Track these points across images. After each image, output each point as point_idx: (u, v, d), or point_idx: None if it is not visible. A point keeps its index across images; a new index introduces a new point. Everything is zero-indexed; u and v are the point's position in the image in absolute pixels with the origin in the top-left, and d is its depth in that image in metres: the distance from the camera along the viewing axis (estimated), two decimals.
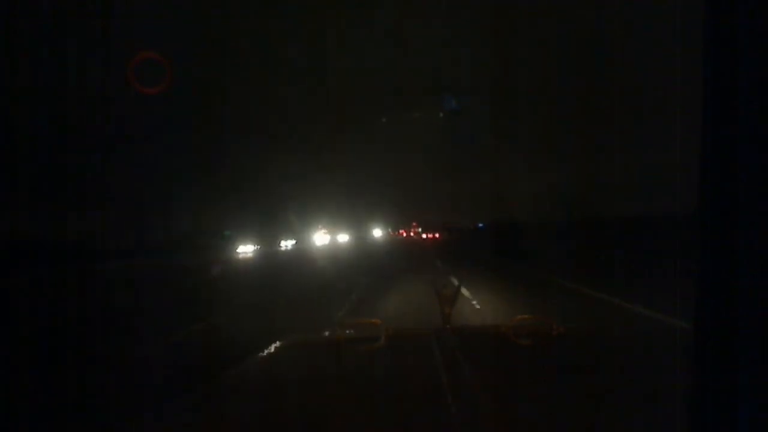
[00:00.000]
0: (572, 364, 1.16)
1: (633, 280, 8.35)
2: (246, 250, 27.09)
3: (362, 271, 11.97)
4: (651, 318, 5.20)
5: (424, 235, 61.42)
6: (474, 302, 6.22)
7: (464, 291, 6.38)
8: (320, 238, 31.22)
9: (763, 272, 0.43)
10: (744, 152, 0.44)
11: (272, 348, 1.42)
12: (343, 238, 42.68)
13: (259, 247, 27.94)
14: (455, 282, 6.68)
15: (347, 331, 1.54)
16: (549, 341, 1.34)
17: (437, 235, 55.26)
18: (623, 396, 0.91)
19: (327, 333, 1.55)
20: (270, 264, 19.76)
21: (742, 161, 0.44)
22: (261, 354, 1.38)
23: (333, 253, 24.15)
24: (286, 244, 32.39)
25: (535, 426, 0.84)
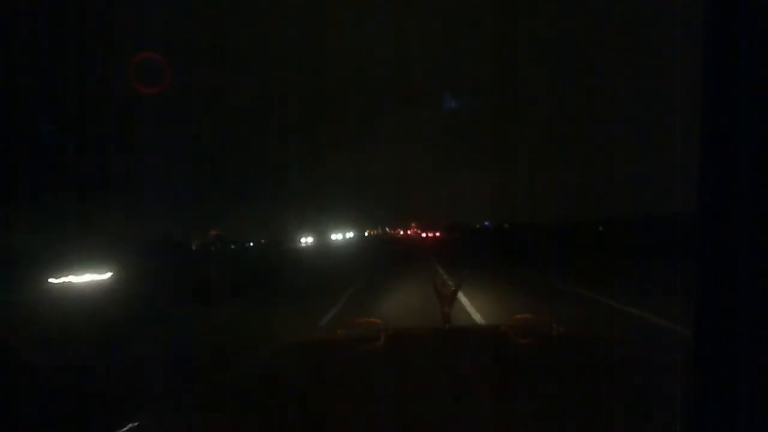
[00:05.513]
0: (572, 364, 1.16)
1: (634, 282, 8.32)
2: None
3: None
4: (651, 319, 5.21)
5: (423, 234, 61.20)
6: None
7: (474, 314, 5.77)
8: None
9: (763, 272, 0.43)
10: (744, 152, 0.44)
11: (272, 348, 1.42)
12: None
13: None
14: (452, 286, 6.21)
15: (347, 331, 1.54)
16: (549, 341, 1.34)
17: (438, 234, 55.13)
18: (623, 396, 0.91)
19: (327, 333, 1.55)
20: None
21: (742, 161, 0.44)
22: (261, 354, 1.38)
23: None
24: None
25: (535, 426, 0.84)
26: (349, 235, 67.32)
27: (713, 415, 0.46)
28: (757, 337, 0.43)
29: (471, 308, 6.17)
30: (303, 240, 42.18)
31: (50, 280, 13.12)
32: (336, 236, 55.90)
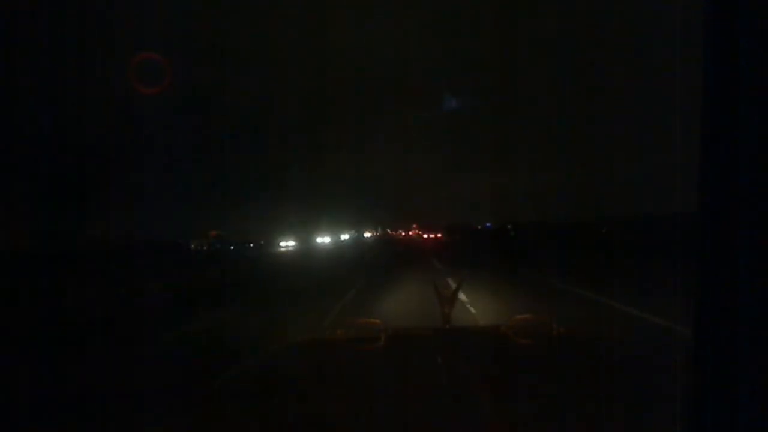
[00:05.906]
0: (572, 364, 1.16)
1: (634, 282, 8.29)
2: None
3: None
4: (651, 319, 5.21)
5: (425, 236, 61.35)
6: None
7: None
8: None
9: (763, 272, 0.43)
10: (744, 152, 0.44)
11: (272, 348, 1.42)
12: None
13: None
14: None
15: (347, 331, 1.54)
16: (549, 341, 1.34)
17: (439, 236, 55.38)
18: (623, 396, 0.91)
19: (327, 333, 1.55)
20: None
21: (742, 161, 0.44)
22: (261, 354, 1.38)
23: None
24: None
25: (535, 426, 0.84)
26: (345, 237, 58.24)
27: (713, 415, 0.46)
28: (757, 337, 0.43)
29: (471, 306, 6.21)
30: (284, 244, 33.78)
31: None
32: (323, 239, 44.17)
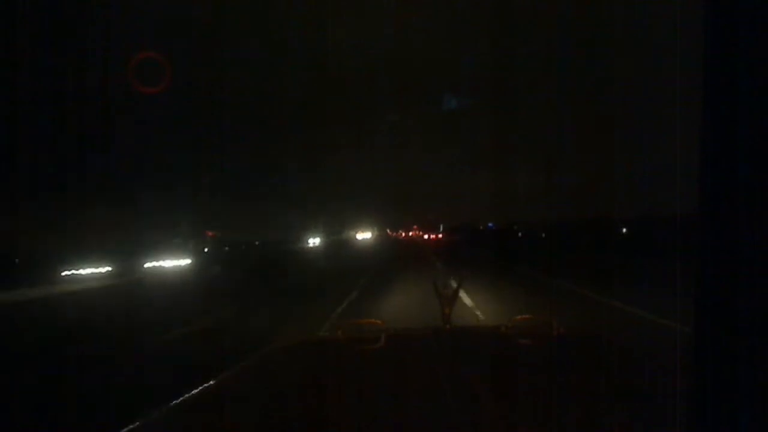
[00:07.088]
0: (572, 364, 1.16)
1: (635, 281, 8.31)
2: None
3: None
4: (651, 319, 5.21)
5: (425, 236, 61.52)
6: None
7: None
8: None
9: (763, 272, 0.43)
10: (744, 152, 0.44)
11: (272, 347, 1.42)
12: None
13: None
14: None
15: (347, 331, 1.54)
16: (549, 341, 1.33)
17: (440, 236, 55.81)
18: (623, 396, 0.91)
19: (327, 333, 1.55)
20: None
21: (742, 161, 0.44)
22: (261, 354, 1.38)
23: None
24: None
25: (536, 426, 0.84)
26: (314, 241, 46.32)
27: (713, 415, 0.46)
28: (757, 337, 0.43)
29: (471, 303, 6.27)
30: (150, 264, 19.60)
31: None
32: (174, 261, 20.88)
